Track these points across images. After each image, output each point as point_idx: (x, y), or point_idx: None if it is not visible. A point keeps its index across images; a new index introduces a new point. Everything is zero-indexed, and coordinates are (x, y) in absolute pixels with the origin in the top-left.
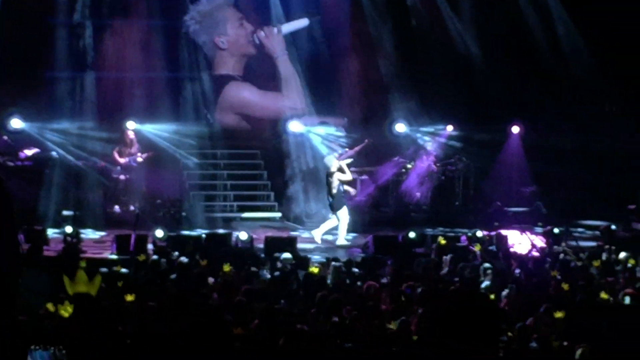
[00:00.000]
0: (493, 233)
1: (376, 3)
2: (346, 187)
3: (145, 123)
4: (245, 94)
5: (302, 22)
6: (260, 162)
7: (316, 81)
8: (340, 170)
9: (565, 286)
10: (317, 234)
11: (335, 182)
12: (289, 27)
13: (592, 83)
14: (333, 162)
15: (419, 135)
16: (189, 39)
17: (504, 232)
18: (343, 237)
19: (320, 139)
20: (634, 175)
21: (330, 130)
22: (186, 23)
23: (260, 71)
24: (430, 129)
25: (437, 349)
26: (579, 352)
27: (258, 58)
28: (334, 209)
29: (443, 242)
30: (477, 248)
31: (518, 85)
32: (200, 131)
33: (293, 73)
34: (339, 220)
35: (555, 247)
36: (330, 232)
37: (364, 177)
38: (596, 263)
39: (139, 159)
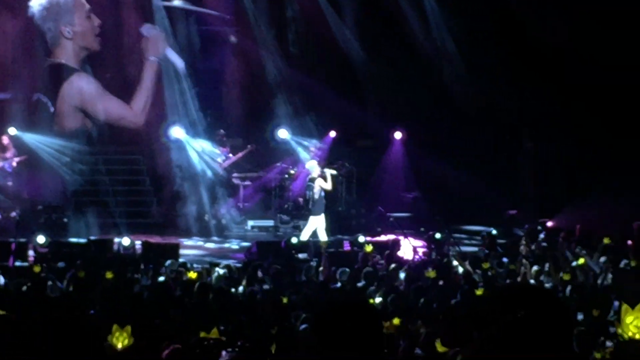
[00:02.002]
0: (377, 238)
1: (260, 9)
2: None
3: (25, 130)
4: (86, 88)
5: (180, 62)
6: (142, 168)
7: (199, 86)
8: (323, 177)
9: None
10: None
11: (316, 188)
12: (170, 53)
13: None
14: (315, 168)
15: (297, 141)
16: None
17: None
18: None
19: (199, 151)
20: (514, 181)
21: (210, 147)
22: (32, 8)
23: (115, 71)
24: (312, 137)
25: (318, 355)
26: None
27: (115, 58)
28: (313, 213)
29: (369, 249)
30: (367, 249)
31: (402, 91)
32: (81, 136)
33: (152, 85)
34: (315, 224)
35: (446, 251)
36: (314, 234)
37: (247, 182)
38: (485, 265)
39: (14, 164)
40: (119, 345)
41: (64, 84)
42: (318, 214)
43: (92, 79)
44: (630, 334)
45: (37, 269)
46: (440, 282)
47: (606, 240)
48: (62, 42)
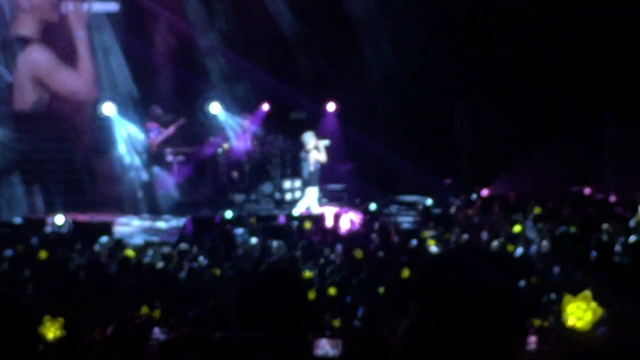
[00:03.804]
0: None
1: None
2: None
3: None
4: (43, 59)
5: (113, 6)
6: (74, 145)
7: (133, 58)
8: (317, 148)
9: None
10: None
11: (312, 160)
12: (99, 6)
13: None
14: (310, 139)
15: (229, 116)
16: None
17: (323, 209)
18: (299, 210)
19: (127, 132)
20: (449, 150)
21: (139, 134)
22: None
23: (61, 42)
24: (244, 111)
25: (250, 329)
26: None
27: (61, 28)
28: (306, 184)
29: (309, 225)
30: (307, 225)
31: (334, 62)
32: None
33: (89, 57)
34: (312, 196)
35: (382, 222)
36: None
37: (180, 157)
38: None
39: None
40: (50, 336)
41: (20, 55)
42: (314, 185)
43: (47, 50)
44: (571, 323)
45: None
46: (380, 254)
47: (537, 210)
48: (19, 14)
